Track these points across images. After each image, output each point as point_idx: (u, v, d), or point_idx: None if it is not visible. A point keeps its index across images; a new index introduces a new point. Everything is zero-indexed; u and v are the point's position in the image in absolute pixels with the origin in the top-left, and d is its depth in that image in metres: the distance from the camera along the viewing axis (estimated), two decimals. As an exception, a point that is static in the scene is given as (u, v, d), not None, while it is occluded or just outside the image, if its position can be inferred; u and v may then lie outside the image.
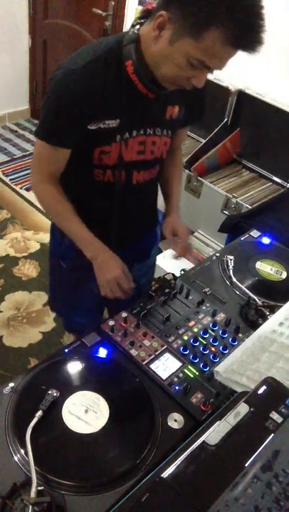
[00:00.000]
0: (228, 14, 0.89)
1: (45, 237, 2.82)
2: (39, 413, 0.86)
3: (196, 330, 1.14)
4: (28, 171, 3.42)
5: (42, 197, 1.23)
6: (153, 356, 1.05)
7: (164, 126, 1.21)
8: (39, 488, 0.75)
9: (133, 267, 1.40)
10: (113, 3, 2.94)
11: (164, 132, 1.21)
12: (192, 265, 1.46)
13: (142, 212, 1.40)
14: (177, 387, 0.99)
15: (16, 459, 0.81)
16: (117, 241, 1.28)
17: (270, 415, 0.72)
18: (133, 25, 1.07)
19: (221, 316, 1.19)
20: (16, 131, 3.87)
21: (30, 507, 0.72)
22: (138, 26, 1.06)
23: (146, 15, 1.06)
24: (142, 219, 1.42)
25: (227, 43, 0.92)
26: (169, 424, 0.91)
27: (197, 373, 1.03)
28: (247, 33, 0.91)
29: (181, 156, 1.53)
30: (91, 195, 1.26)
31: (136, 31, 1.05)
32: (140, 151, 1.19)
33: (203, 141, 2.54)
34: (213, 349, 1.09)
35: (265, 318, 1.15)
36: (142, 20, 1.06)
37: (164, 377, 1.01)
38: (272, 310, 1.17)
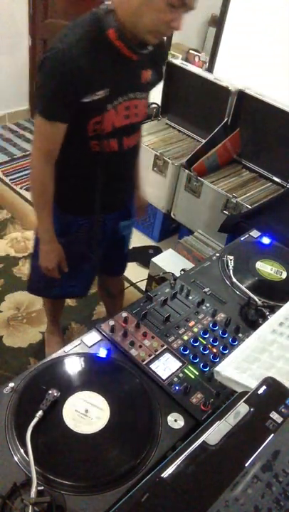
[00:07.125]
0: None
1: (45, 237, 2.82)
2: (39, 413, 0.86)
3: (196, 330, 1.14)
4: (28, 171, 3.41)
5: (36, 174, 1.35)
6: (153, 356, 1.05)
7: (142, 90, 1.32)
8: (39, 488, 0.75)
9: (119, 224, 1.64)
10: (113, 3, 2.94)
11: (143, 95, 1.33)
12: (192, 265, 1.46)
13: (130, 175, 1.56)
14: (177, 387, 0.99)
15: (16, 459, 0.82)
16: (113, 205, 1.49)
17: (270, 415, 0.72)
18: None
19: (221, 316, 1.19)
20: (16, 131, 3.86)
21: (30, 507, 0.72)
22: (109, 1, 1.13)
23: None
24: (130, 182, 1.58)
25: None
26: (169, 424, 0.91)
27: (197, 373, 1.03)
28: None
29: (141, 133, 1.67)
30: (88, 167, 1.36)
31: (106, 4, 1.13)
32: (126, 116, 1.29)
33: (203, 141, 2.54)
34: (213, 349, 1.09)
35: (265, 318, 1.15)
36: None
37: (164, 377, 1.01)
38: (272, 310, 1.17)
